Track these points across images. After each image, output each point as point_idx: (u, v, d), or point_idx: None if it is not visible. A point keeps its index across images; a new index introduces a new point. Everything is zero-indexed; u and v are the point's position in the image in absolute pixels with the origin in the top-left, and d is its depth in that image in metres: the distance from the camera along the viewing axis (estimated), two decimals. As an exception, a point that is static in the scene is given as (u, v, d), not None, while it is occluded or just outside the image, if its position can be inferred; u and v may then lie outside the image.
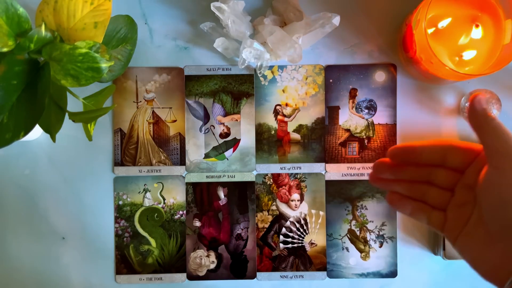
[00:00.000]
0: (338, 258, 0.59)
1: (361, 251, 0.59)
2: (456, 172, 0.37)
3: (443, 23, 0.53)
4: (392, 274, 0.59)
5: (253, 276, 0.59)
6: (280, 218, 0.59)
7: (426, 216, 0.38)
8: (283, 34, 0.54)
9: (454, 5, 0.53)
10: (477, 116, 0.34)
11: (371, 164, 0.59)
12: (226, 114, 0.59)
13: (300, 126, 0.59)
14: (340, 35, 0.58)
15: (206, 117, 0.59)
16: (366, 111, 0.59)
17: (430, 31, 0.53)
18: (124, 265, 0.59)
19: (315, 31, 0.55)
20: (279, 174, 0.59)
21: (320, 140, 0.59)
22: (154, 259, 0.59)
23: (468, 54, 0.52)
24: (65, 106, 0.46)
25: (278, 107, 0.59)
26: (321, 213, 0.59)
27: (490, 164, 0.34)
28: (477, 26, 0.53)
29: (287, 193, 0.59)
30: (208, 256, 0.59)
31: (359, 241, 0.59)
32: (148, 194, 0.59)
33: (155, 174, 0.59)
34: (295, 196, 0.59)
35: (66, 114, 0.46)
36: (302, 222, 0.59)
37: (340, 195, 0.59)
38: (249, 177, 0.59)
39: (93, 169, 0.59)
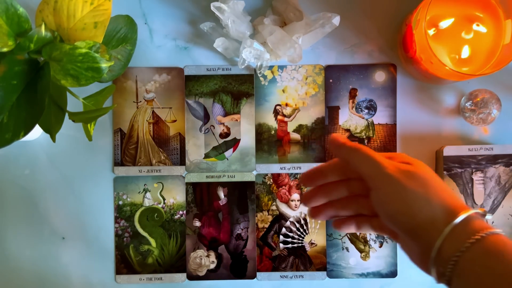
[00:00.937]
0: (338, 258, 0.59)
1: (361, 251, 0.59)
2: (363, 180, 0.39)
3: (443, 23, 0.53)
4: (392, 274, 0.59)
5: (253, 276, 0.59)
6: (280, 218, 0.59)
7: (369, 225, 0.40)
8: (283, 34, 0.54)
9: (454, 5, 0.53)
10: (341, 152, 0.39)
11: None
12: (226, 114, 0.59)
13: (300, 126, 0.59)
14: (340, 35, 0.58)
15: (206, 117, 0.59)
16: (366, 111, 0.59)
17: (430, 31, 0.53)
18: (124, 265, 0.59)
19: (315, 31, 0.55)
20: (279, 174, 0.59)
21: (320, 140, 0.59)
22: (154, 259, 0.59)
23: (464, 52, 0.53)
24: (65, 106, 0.46)
25: (278, 107, 0.59)
26: (321, 213, 0.59)
27: (369, 186, 0.37)
28: (477, 25, 0.53)
29: (287, 193, 0.59)
30: (208, 256, 0.59)
31: (359, 241, 0.59)
32: (148, 194, 0.59)
33: (155, 174, 0.59)
34: (295, 196, 0.59)
35: (66, 114, 0.46)
36: (302, 222, 0.59)
37: (340, 195, 0.59)
38: (249, 177, 0.59)
39: (93, 169, 0.59)
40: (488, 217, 0.37)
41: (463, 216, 0.34)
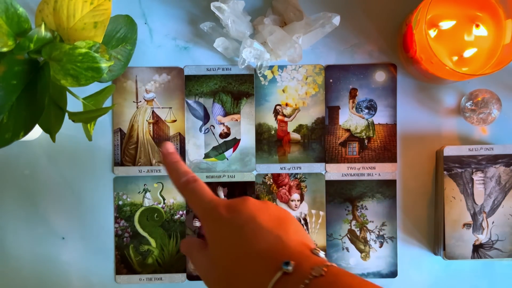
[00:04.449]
0: (338, 258, 0.59)
1: (361, 251, 0.59)
2: None
3: (444, 23, 0.53)
4: (392, 274, 0.59)
5: (253, 276, 0.59)
6: (280, 218, 0.59)
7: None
8: (283, 34, 0.54)
9: (454, 5, 0.53)
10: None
11: (371, 164, 0.59)
12: (226, 114, 0.59)
13: (300, 126, 0.59)
14: (340, 35, 0.58)
15: (206, 117, 0.59)
16: (366, 111, 0.59)
17: (430, 31, 0.53)
18: (124, 265, 0.59)
19: (315, 31, 0.55)
20: (279, 174, 0.59)
21: (320, 140, 0.59)
22: (154, 259, 0.59)
23: (469, 52, 0.52)
24: (65, 106, 0.46)
25: (278, 107, 0.59)
26: (321, 213, 0.59)
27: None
28: (477, 26, 0.53)
29: (287, 193, 0.59)
30: (208, 256, 0.59)
31: (359, 241, 0.59)
32: (148, 194, 0.59)
33: (155, 174, 0.59)
34: (295, 196, 0.59)
35: (66, 114, 0.46)
36: (302, 222, 0.59)
37: (340, 195, 0.59)
38: (249, 177, 0.59)
39: (93, 169, 0.59)
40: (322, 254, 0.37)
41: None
